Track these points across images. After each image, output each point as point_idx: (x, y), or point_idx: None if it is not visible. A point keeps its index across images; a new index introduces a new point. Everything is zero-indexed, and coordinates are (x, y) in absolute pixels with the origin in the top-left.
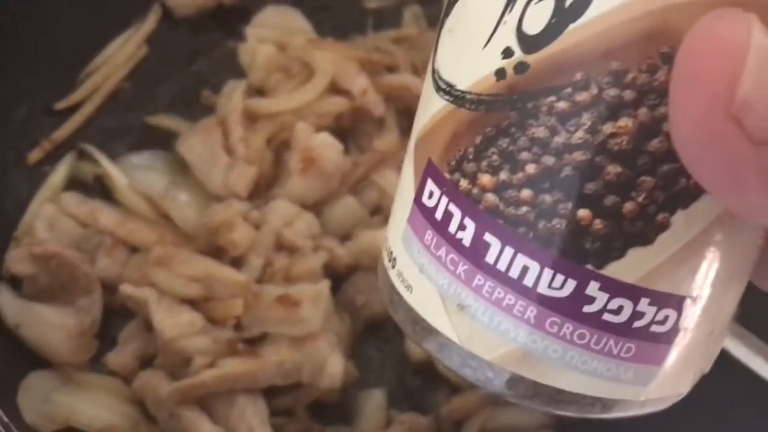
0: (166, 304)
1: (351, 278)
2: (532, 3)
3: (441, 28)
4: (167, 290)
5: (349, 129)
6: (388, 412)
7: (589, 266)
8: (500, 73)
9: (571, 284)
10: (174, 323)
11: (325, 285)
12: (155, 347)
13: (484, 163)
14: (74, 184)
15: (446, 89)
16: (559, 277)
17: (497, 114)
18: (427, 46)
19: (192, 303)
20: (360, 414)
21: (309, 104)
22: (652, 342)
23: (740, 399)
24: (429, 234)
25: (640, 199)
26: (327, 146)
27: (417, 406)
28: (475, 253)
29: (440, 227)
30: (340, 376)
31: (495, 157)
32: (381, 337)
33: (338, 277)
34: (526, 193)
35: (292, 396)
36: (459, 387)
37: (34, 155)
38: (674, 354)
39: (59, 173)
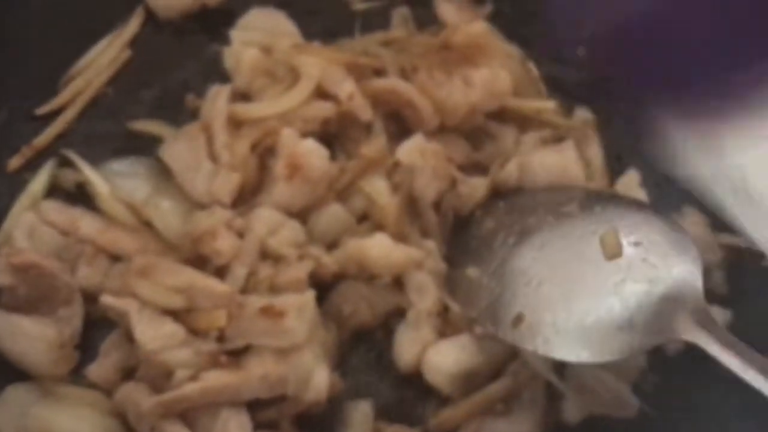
0: (148, 315)
1: (337, 287)
2: None
3: None
4: (149, 301)
5: (335, 134)
6: (376, 423)
7: None
8: None
9: None
10: (155, 335)
11: (310, 295)
12: (137, 358)
13: None
14: (55, 191)
15: None
16: None
17: None
18: (415, 48)
19: (174, 314)
20: (347, 426)
21: (295, 109)
22: None
23: (734, 410)
24: None
25: None
26: (313, 152)
27: (405, 418)
28: None
29: None
30: (325, 388)
31: None
32: (368, 347)
33: (324, 285)
34: None
35: (276, 408)
36: (448, 398)
37: (14, 162)
38: None
39: (40, 180)
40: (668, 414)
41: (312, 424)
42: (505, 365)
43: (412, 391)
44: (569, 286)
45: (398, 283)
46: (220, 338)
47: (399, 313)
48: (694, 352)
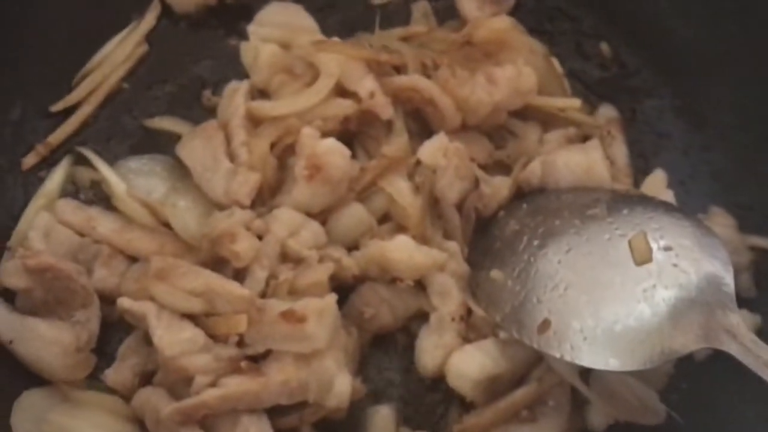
0: (166, 319)
1: (358, 289)
2: None
3: None
4: (167, 305)
5: (355, 133)
6: (398, 429)
7: None
8: None
9: None
10: (174, 340)
11: (331, 299)
12: (155, 362)
13: None
14: (71, 189)
15: None
16: None
17: None
18: (436, 44)
19: (193, 318)
20: (368, 431)
21: (314, 107)
22: None
23: (762, 417)
24: None
25: None
26: (334, 152)
27: (428, 424)
28: None
29: None
30: (348, 395)
31: None
32: (390, 350)
33: (344, 287)
34: None
35: (297, 415)
36: (471, 404)
37: (29, 160)
38: None
39: (55, 179)
40: (696, 421)
41: (332, 430)
42: (529, 371)
43: (435, 395)
44: (597, 292)
45: (420, 285)
46: (240, 343)
47: (421, 316)
48: (722, 358)
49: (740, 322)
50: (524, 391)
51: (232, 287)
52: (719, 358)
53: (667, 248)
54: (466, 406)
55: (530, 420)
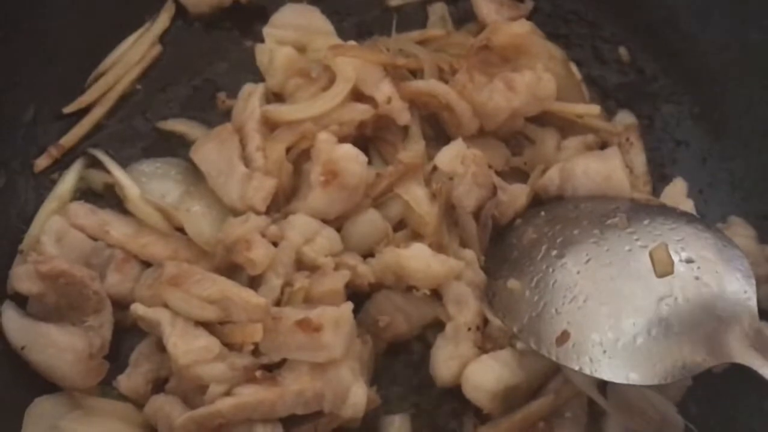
0: (181, 326)
1: (373, 297)
2: None
3: None
4: (181, 312)
5: (371, 138)
6: None
7: None
8: None
9: None
10: (189, 348)
11: (347, 308)
12: (168, 369)
13: None
14: (83, 192)
15: None
16: None
17: None
18: (453, 48)
19: (207, 325)
20: None
21: (330, 112)
22: None
23: None
24: None
25: None
26: (351, 158)
27: None
28: None
29: None
30: (363, 405)
31: None
32: (404, 359)
33: (359, 295)
34: None
35: (312, 425)
36: (488, 415)
37: (42, 162)
38: None
39: (67, 181)
40: None
41: None
42: (546, 382)
43: (450, 406)
44: (617, 304)
45: (435, 294)
46: (255, 352)
47: (436, 325)
48: (741, 370)
49: (764, 336)
50: (541, 403)
51: (248, 295)
52: (738, 370)
53: (689, 260)
54: (482, 417)
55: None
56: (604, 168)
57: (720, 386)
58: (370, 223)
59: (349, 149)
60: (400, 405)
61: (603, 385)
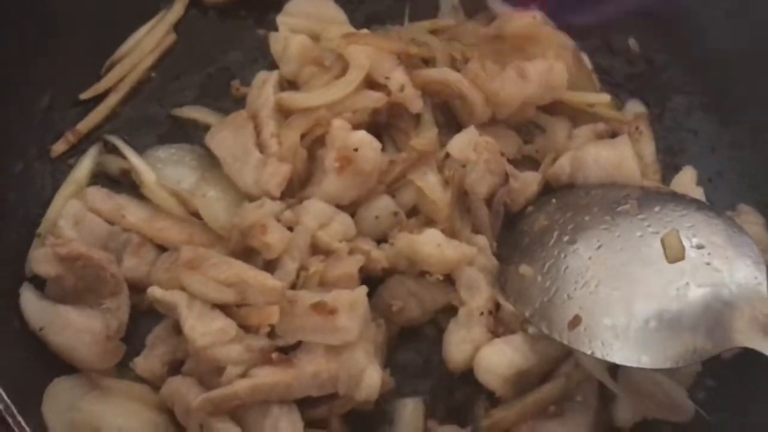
0: (198, 309)
1: (386, 282)
2: None
3: None
4: (198, 295)
5: (384, 125)
6: (426, 422)
7: None
8: None
9: None
10: (206, 330)
11: (362, 291)
12: (184, 351)
13: None
14: (100, 177)
15: None
16: None
17: None
18: (465, 37)
19: (223, 308)
20: (396, 424)
21: (344, 99)
22: None
23: None
24: None
25: None
26: (365, 145)
27: (455, 417)
28: None
29: None
30: (377, 387)
31: None
32: (417, 343)
33: (373, 280)
34: None
35: (326, 407)
36: (499, 398)
37: (58, 147)
38: None
39: (84, 166)
40: (724, 419)
41: (361, 422)
42: (557, 366)
43: (462, 389)
44: (629, 289)
45: (448, 279)
46: (270, 334)
47: (449, 310)
48: (749, 355)
49: None
50: (552, 386)
51: (265, 278)
52: (747, 355)
53: (700, 246)
54: (494, 400)
55: (557, 415)
56: (615, 156)
57: (729, 372)
58: (383, 208)
59: (363, 136)
60: (413, 388)
61: (613, 370)
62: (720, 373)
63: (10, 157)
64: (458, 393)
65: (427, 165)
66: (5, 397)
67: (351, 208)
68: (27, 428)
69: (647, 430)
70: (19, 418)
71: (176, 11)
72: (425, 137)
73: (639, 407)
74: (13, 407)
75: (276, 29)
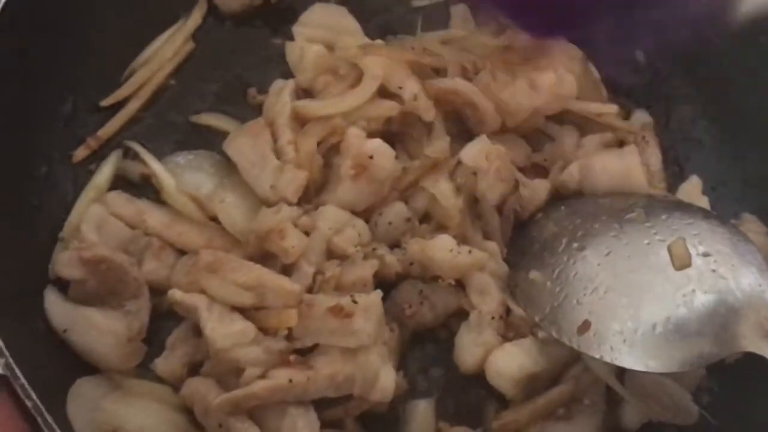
0: (218, 311)
1: (399, 286)
2: None
3: None
4: (218, 298)
5: (396, 133)
6: (437, 423)
7: None
8: None
9: None
10: (226, 332)
11: (377, 295)
12: (203, 353)
13: None
14: (120, 182)
15: None
16: None
17: None
18: (476, 48)
19: (242, 311)
20: (408, 425)
21: (359, 108)
22: None
23: None
24: None
25: None
26: (380, 153)
27: (466, 419)
28: None
29: None
30: (392, 389)
31: None
32: (429, 346)
33: (386, 284)
34: None
35: (341, 408)
36: (509, 400)
37: (80, 153)
38: None
39: (105, 172)
40: (727, 423)
41: (374, 423)
42: (566, 369)
43: (473, 392)
44: (637, 295)
45: (460, 284)
46: (288, 336)
47: (461, 314)
48: (752, 360)
49: None
50: (561, 390)
51: (283, 282)
52: (749, 360)
53: (706, 254)
54: (504, 402)
55: (566, 418)
56: (623, 165)
57: (732, 376)
58: (397, 215)
59: (378, 144)
60: (424, 391)
61: (621, 374)
62: (723, 377)
63: (34, 162)
64: (469, 395)
65: (439, 172)
66: (34, 396)
67: (365, 214)
68: (55, 426)
69: None
70: (48, 417)
71: (195, 20)
72: (437, 146)
73: (645, 410)
74: (41, 406)
75: (292, 39)
